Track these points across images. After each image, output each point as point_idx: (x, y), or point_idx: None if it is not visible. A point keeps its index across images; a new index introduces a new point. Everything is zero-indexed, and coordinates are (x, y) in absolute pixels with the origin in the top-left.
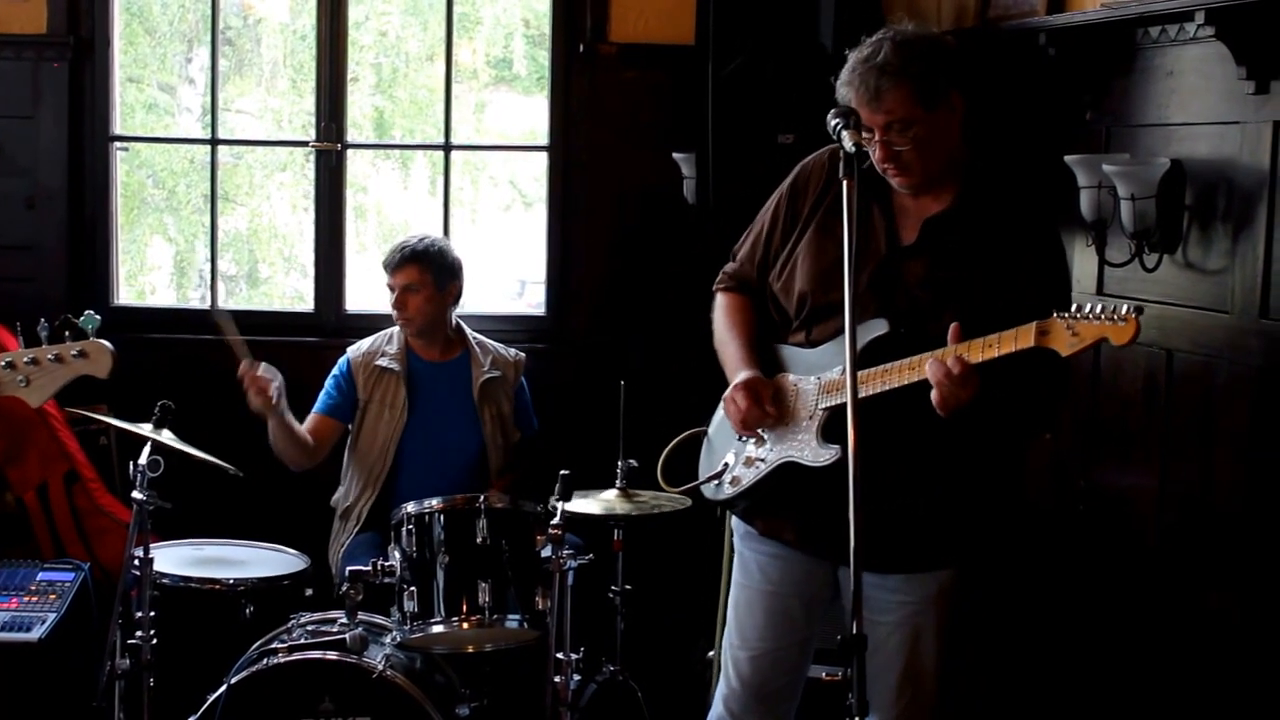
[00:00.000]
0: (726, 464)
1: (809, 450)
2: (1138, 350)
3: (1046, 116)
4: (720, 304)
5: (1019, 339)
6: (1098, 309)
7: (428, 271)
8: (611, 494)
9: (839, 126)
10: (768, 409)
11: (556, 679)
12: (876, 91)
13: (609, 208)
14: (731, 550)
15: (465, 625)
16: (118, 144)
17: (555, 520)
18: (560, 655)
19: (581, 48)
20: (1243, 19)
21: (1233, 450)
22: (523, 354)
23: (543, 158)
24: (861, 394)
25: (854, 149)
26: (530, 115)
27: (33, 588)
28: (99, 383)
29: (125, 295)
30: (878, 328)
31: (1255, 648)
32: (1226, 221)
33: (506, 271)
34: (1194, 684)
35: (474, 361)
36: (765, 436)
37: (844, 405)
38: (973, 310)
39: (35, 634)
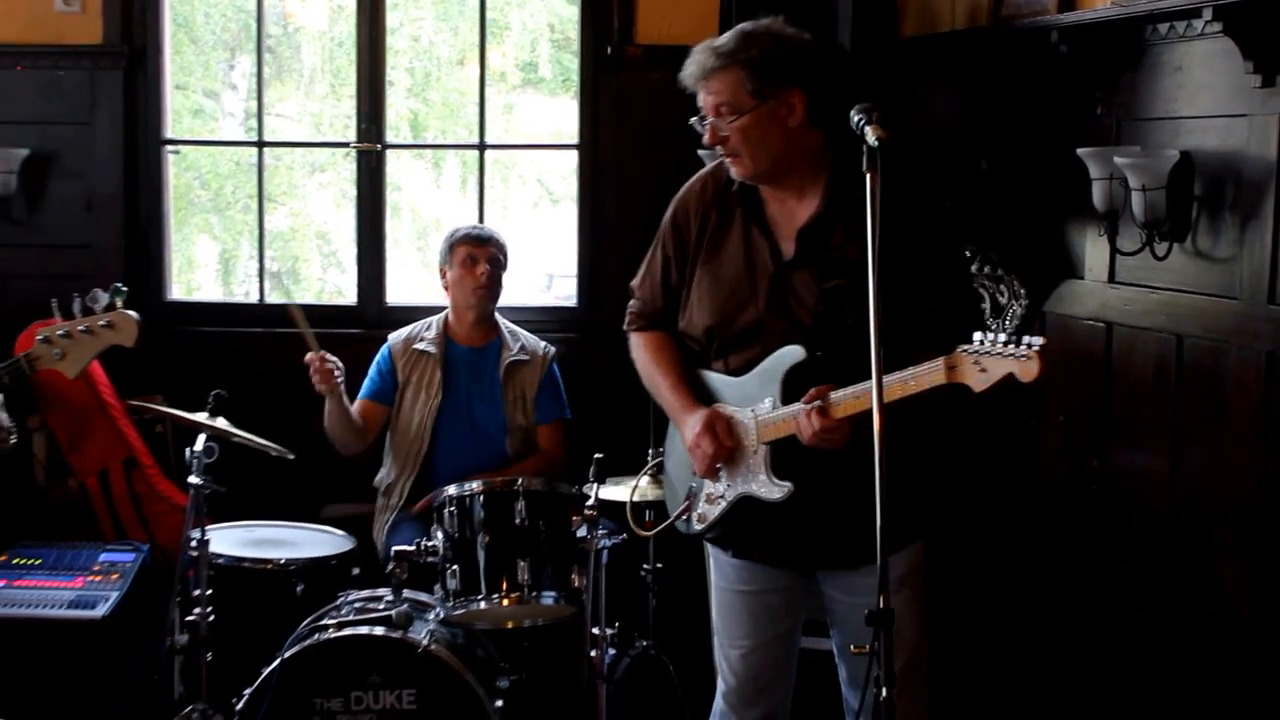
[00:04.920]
0: (690, 500)
1: (763, 487)
2: (1149, 335)
3: (1059, 111)
4: (639, 344)
5: (932, 377)
6: (1000, 341)
7: (502, 254)
8: (644, 481)
9: (862, 122)
10: (725, 443)
11: (592, 653)
12: (705, 72)
13: (637, 203)
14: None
15: (505, 602)
16: (169, 147)
17: (590, 502)
18: (595, 630)
19: (609, 50)
20: (1250, 15)
21: (1242, 432)
22: (553, 347)
23: (571, 156)
24: (778, 436)
25: (877, 143)
26: (556, 116)
27: (96, 568)
28: (156, 373)
29: (176, 291)
30: (794, 355)
31: (1267, 627)
32: (1234, 211)
33: (535, 266)
34: (1205, 662)
35: (504, 346)
36: (721, 473)
37: (786, 440)
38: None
39: (99, 611)
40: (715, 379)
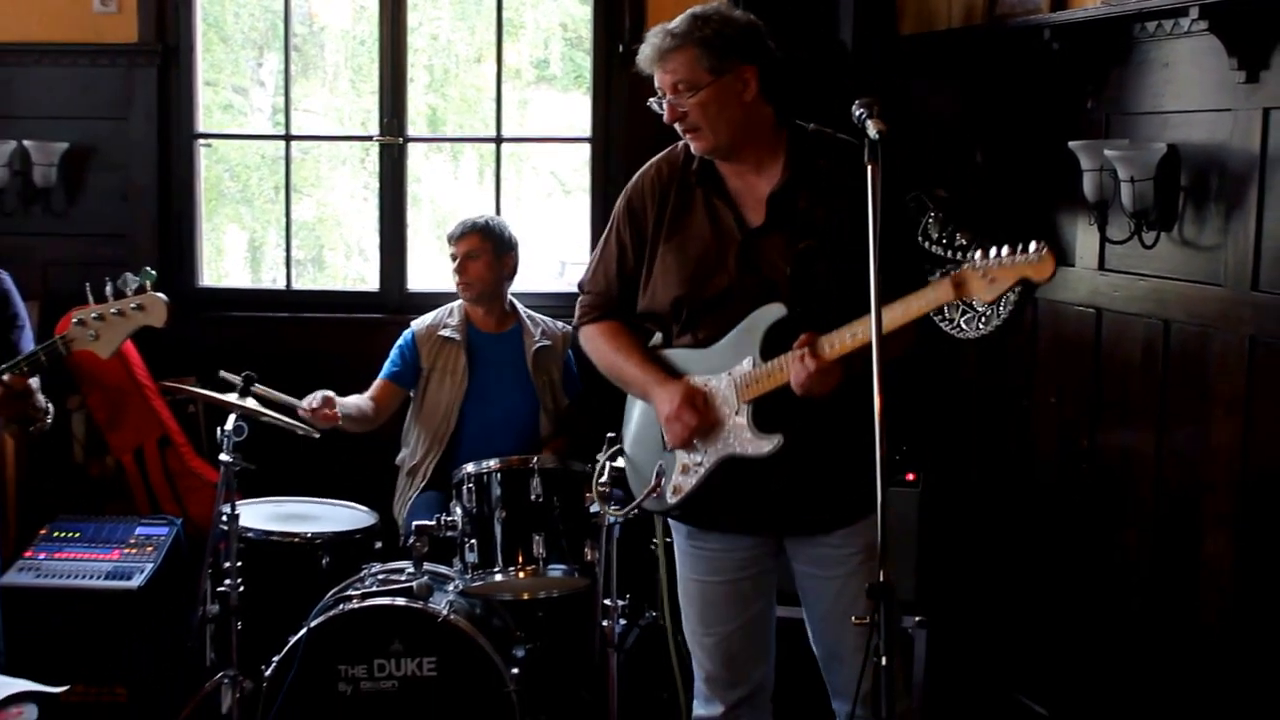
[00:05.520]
0: (660, 476)
1: (750, 444)
2: (1137, 321)
3: (1051, 106)
4: (594, 334)
5: (938, 294)
6: (1004, 251)
7: (487, 240)
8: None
9: (863, 116)
10: (706, 415)
11: (604, 623)
12: (661, 52)
13: None
14: (667, 547)
15: (521, 574)
16: (201, 141)
17: (602, 479)
18: (607, 601)
19: (620, 48)
20: (1234, 14)
21: (1226, 413)
22: (569, 327)
23: (584, 149)
24: (763, 391)
25: (878, 136)
26: (567, 111)
27: (132, 541)
28: (189, 356)
29: (207, 278)
30: (774, 313)
31: (1247, 596)
32: (1219, 201)
33: (548, 254)
34: (1191, 627)
35: (526, 333)
36: (695, 443)
37: (770, 393)
38: (841, 273)
39: (135, 582)
40: (679, 355)
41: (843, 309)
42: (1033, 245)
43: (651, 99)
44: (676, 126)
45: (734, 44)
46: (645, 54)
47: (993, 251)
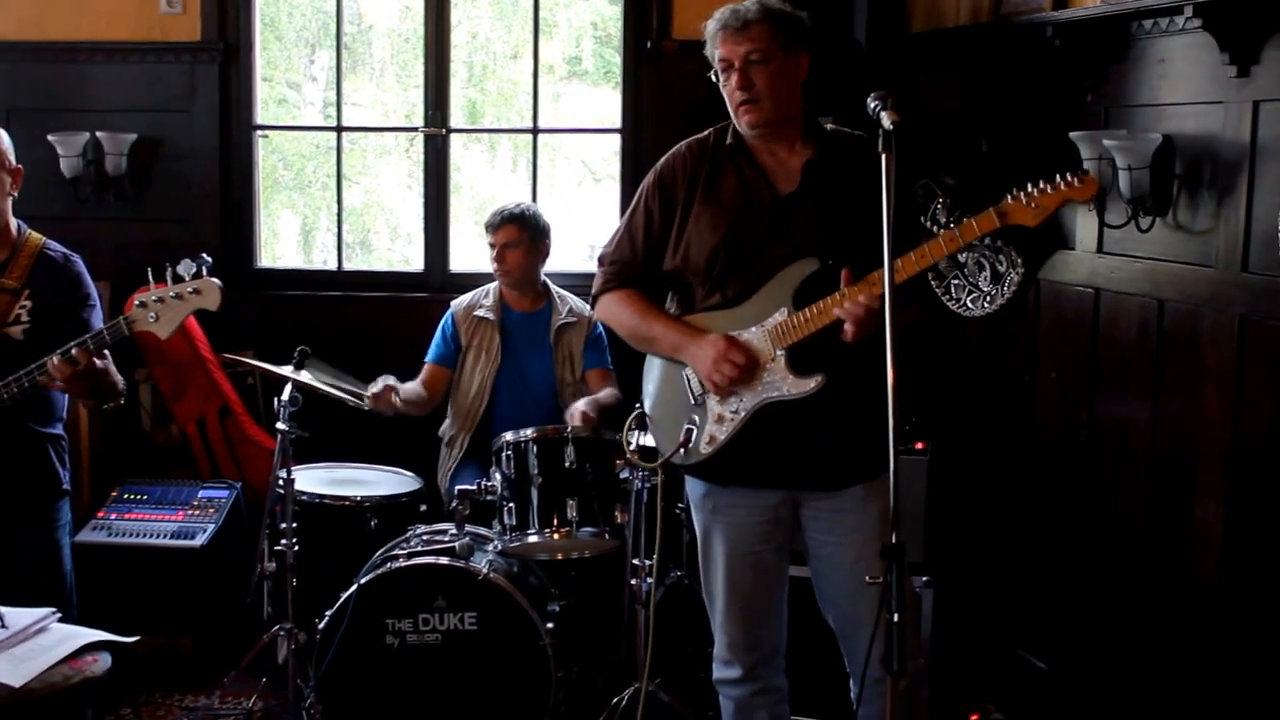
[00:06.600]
0: (690, 431)
1: (792, 386)
2: (1133, 300)
3: (1053, 99)
4: (616, 299)
5: (980, 225)
6: (1041, 183)
7: (524, 230)
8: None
9: (878, 108)
10: (749, 360)
11: (633, 581)
12: (744, 23)
13: None
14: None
15: (556, 536)
16: (259, 132)
17: (632, 447)
18: (636, 561)
19: (649, 44)
20: (1226, 12)
21: (1216, 388)
22: None
23: (614, 140)
24: (800, 336)
25: (891, 126)
26: (598, 104)
27: (195, 503)
28: (247, 332)
29: (264, 260)
30: (809, 266)
31: (1235, 557)
32: (1212, 188)
33: (579, 238)
34: (1180, 586)
35: (554, 310)
36: (731, 393)
37: (807, 340)
38: (867, 242)
39: (198, 541)
40: (705, 318)
41: (870, 268)
42: (1069, 174)
43: (711, 72)
44: (738, 95)
45: (798, 31)
46: (719, 26)
47: (1029, 184)
